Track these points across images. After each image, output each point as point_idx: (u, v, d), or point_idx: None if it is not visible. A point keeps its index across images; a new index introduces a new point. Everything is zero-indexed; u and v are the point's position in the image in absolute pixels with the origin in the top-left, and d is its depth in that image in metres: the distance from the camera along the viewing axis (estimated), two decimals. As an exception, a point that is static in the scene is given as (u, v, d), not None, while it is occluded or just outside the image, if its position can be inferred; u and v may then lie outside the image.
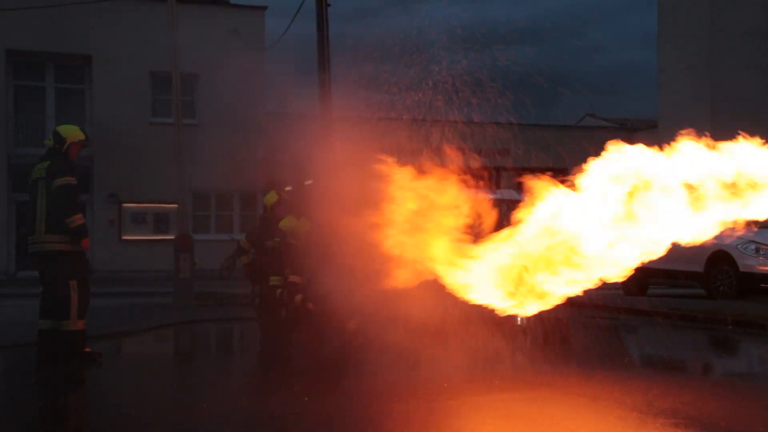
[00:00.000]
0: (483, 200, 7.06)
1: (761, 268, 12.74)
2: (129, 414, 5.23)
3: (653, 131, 28.39)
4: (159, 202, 21.14)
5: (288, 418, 5.07)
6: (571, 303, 12.63)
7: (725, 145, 6.23)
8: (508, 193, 9.33)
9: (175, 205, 15.09)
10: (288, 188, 10.14)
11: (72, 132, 7.57)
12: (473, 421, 4.90)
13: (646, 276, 14.92)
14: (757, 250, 12.53)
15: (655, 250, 6.29)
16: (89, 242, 7.26)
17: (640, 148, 6.34)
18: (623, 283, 15.94)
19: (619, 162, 6.30)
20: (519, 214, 6.61)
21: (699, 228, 6.17)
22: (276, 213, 9.09)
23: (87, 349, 7.30)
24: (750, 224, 8.16)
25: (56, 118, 22.92)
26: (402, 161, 6.87)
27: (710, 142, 6.28)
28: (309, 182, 12.16)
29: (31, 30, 21.61)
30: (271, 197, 9.31)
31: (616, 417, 5.03)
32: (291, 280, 8.30)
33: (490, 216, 6.92)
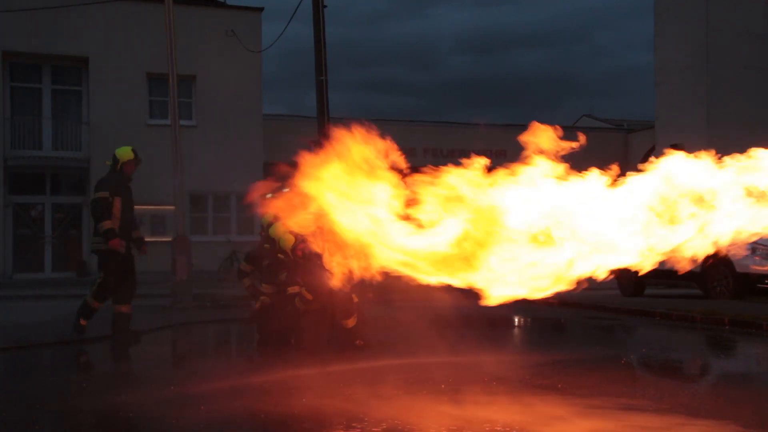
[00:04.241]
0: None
1: (758, 268, 12.78)
2: (126, 416, 5.23)
3: (650, 132, 28.46)
4: (156, 204, 21.14)
5: (287, 418, 5.07)
6: (568, 303, 12.70)
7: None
8: None
9: (172, 207, 15.08)
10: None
11: (123, 153, 9.00)
12: (473, 423, 4.91)
13: (643, 276, 14.97)
14: (754, 250, 12.56)
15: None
16: (118, 242, 8.64)
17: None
18: (620, 284, 16.08)
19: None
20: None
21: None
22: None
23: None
24: None
25: (53, 120, 22.92)
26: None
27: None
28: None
29: (28, 31, 21.59)
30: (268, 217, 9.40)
31: (613, 418, 5.04)
32: (290, 292, 8.32)
33: None
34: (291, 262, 8.48)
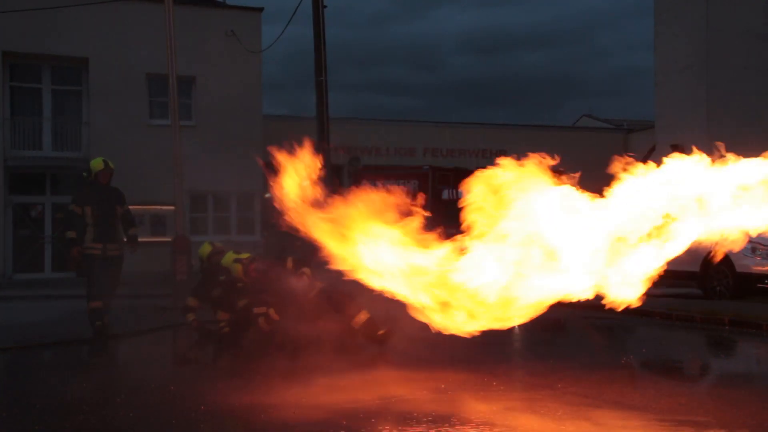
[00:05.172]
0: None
1: (758, 268, 12.77)
2: (127, 416, 5.23)
3: (649, 132, 28.46)
4: (156, 204, 21.13)
5: (288, 418, 5.07)
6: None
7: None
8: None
9: (172, 207, 15.08)
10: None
11: (95, 164, 9.65)
12: (473, 423, 4.91)
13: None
14: (754, 250, 12.55)
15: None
16: (77, 251, 9.27)
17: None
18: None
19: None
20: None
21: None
22: (213, 262, 9.33)
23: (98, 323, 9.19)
24: None
25: (53, 120, 22.92)
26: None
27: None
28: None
29: (28, 32, 21.57)
30: (205, 249, 9.57)
31: (613, 418, 5.04)
32: (255, 311, 8.32)
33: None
34: (250, 286, 8.49)
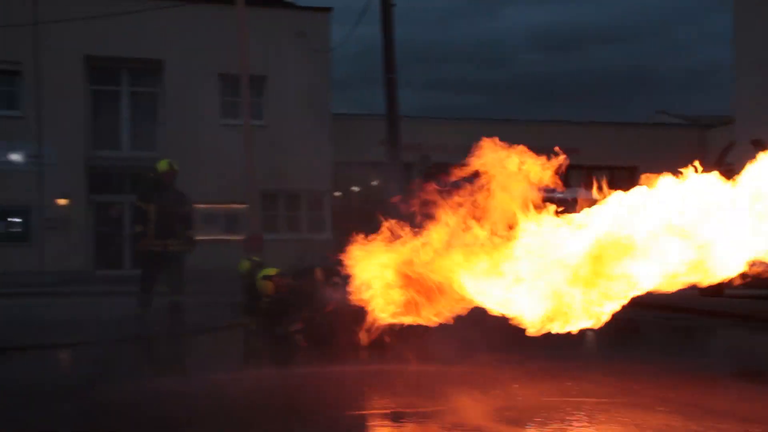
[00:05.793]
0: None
1: None
2: (199, 410, 5.33)
3: (728, 128, 27.52)
4: (229, 203, 21.57)
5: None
6: (640, 303, 12.34)
7: None
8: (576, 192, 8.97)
9: (245, 206, 15.36)
10: (356, 188, 10.27)
11: (160, 165, 10.28)
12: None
13: (722, 276, 14.41)
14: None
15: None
16: (146, 243, 9.87)
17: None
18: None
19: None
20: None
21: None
22: (255, 276, 9.68)
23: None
24: None
25: (131, 121, 23.67)
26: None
27: None
28: (375, 183, 12.19)
29: (107, 37, 22.34)
30: (244, 265, 10.19)
31: (693, 422, 4.89)
32: (291, 329, 8.40)
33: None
34: (282, 301, 8.55)
